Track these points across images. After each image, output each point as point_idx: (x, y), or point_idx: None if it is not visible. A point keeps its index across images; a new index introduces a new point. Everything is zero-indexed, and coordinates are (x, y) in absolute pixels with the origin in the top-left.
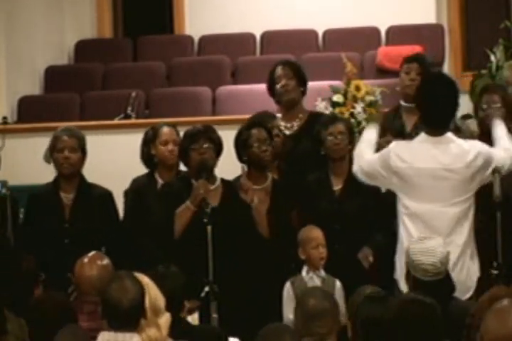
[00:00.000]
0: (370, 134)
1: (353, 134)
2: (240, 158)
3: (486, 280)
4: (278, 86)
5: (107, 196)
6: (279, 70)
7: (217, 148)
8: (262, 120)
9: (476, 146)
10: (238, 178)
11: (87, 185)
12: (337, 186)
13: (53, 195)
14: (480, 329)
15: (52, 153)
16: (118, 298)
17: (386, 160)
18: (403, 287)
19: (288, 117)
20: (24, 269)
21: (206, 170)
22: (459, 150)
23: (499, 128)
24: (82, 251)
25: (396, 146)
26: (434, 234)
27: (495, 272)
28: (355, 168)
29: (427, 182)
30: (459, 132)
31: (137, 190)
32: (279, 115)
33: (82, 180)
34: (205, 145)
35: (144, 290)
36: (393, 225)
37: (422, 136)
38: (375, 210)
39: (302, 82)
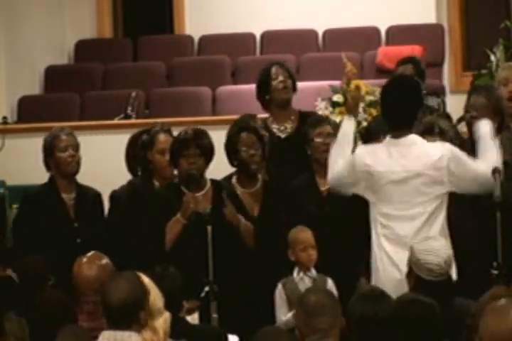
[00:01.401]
0: (347, 128)
1: (335, 136)
2: (232, 162)
3: (486, 280)
4: (275, 82)
5: (98, 197)
6: (275, 69)
7: (208, 153)
8: (249, 123)
9: (441, 148)
10: (228, 177)
11: (80, 185)
12: (323, 186)
13: (54, 196)
14: (479, 329)
15: (50, 154)
16: (108, 296)
17: (352, 165)
18: None
19: (280, 119)
20: (32, 271)
21: (195, 182)
22: (421, 152)
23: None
24: (94, 250)
25: (360, 150)
26: (402, 239)
27: (495, 272)
28: (329, 177)
29: (390, 187)
30: (444, 135)
31: (134, 193)
32: (269, 117)
33: (76, 181)
34: (195, 153)
35: (143, 291)
36: None
37: (387, 139)
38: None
39: (294, 84)
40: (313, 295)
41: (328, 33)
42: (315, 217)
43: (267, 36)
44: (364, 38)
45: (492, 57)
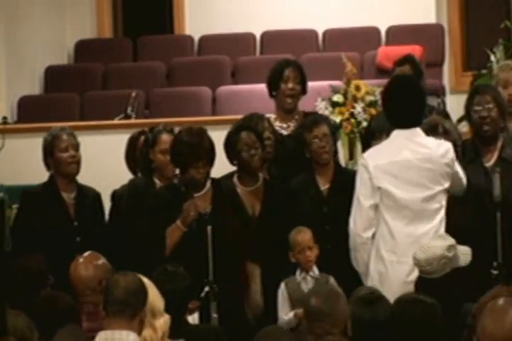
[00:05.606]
0: None
1: (334, 134)
2: (231, 160)
3: (486, 280)
4: (285, 87)
5: (98, 197)
6: (288, 71)
7: (213, 157)
8: (251, 122)
9: (447, 143)
10: (229, 175)
11: (80, 185)
12: (324, 186)
13: (53, 195)
14: (476, 329)
15: (51, 154)
16: (116, 285)
17: (365, 176)
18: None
19: (284, 118)
20: (34, 270)
21: (197, 185)
22: (432, 142)
23: None
24: (93, 249)
25: (366, 155)
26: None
27: (495, 272)
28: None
29: (406, 174)
30: (448, 135)
31: (134, 193)
32: (273, 115)
33: (76, 180)
34: (205, 163)
35: (146, 291)
36: None
37: (394, 133)
38: None
39: (304, 87)
40: (314, 298)
41: (328, 33)
42: (314, 216)
43: (267, 36)
44: (364, 38)
45: (492, 57)
